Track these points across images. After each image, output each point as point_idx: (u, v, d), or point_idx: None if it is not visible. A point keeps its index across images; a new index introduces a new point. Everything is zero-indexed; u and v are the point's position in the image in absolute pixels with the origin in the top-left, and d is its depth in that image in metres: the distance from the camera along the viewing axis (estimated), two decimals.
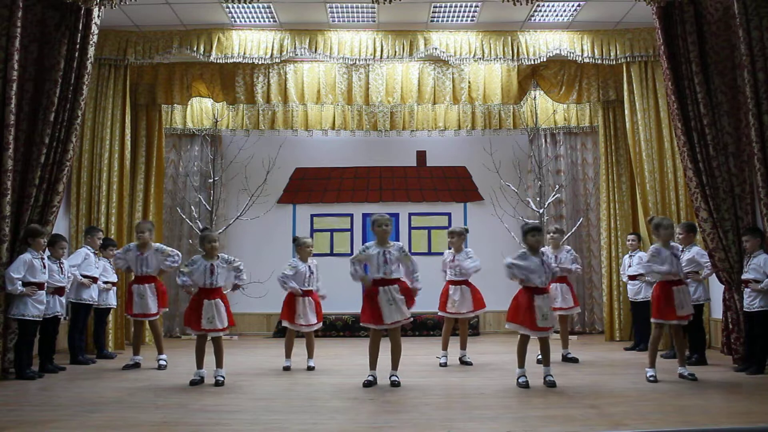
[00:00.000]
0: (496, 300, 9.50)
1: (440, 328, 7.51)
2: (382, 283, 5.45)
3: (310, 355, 6.50)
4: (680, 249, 5.87)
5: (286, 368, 6.37)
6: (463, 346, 6.73)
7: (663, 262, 5.62)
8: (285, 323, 6.47)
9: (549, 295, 5.45)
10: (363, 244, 5.70)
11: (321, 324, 6.55)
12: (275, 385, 5.56)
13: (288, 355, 6.48)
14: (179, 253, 6.86)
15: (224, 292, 5.83)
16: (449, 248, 6.85)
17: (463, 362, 6.64)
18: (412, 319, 5.58)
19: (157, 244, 6.87)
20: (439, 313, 6.77)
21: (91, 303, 7.06)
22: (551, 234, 7.04)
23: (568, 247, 7.20)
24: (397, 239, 5.71)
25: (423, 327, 9.40)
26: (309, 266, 6.44)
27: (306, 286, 6.40)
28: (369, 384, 5.41)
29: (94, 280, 7.06)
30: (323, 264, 6.73)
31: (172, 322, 9.62)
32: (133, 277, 6.81)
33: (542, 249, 5.64)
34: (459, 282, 6.65)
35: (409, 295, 5.51)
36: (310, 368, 6.37)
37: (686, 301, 5.64)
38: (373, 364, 5.53)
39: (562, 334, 6.95)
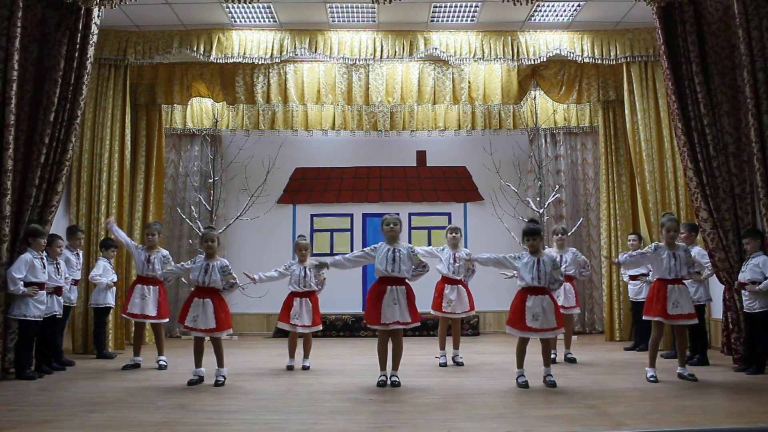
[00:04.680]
0: (496, 300, 9.55)
1: None
2: (390, 282, 5.40)
3: (305, 355, 6.50)
4: (686, 248, 5.83)
5: (289, 368, 6.38)
6: (456, 346, 6.71)
7: (659, 262, 5.62)
8: (280, 324, 6.47)
9: (546, 297, 5.33)
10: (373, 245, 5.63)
11: (319, 327, 6.49)
12: (275, 385, 5.56)
13: (291, 355, 6.49)
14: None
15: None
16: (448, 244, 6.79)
17: (456, 362, 6.63)
18: (413, 325, 5.47)
19: (166, 251, 6.79)
20: (432, 313, 6.67)
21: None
22: (559, 235, 6.97)
23: (574, 249, 7.15)
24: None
25: (423, 327, 9.37)
26: (305, 268, 6.43)
27: (301, 288, 6.40)
28: (383, 384, 5.39)
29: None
30: None
31: (172, 322, 9.60)
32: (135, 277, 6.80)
33: (546, 250, 5.60)
34: (455, 281, 6.62)
35: (413, 303, 5.44)
36: (304, 368, 6.38)
37: (683, 300, 5.57)
38: (382, 365, 5.50)
39: (565, 334, 6.88)
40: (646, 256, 5.77)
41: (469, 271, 6.74)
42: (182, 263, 5.89)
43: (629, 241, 8.10)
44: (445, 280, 6.64)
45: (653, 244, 5.82)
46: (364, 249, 5.61)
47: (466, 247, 9.54)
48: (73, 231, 7.17)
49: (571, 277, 6.90)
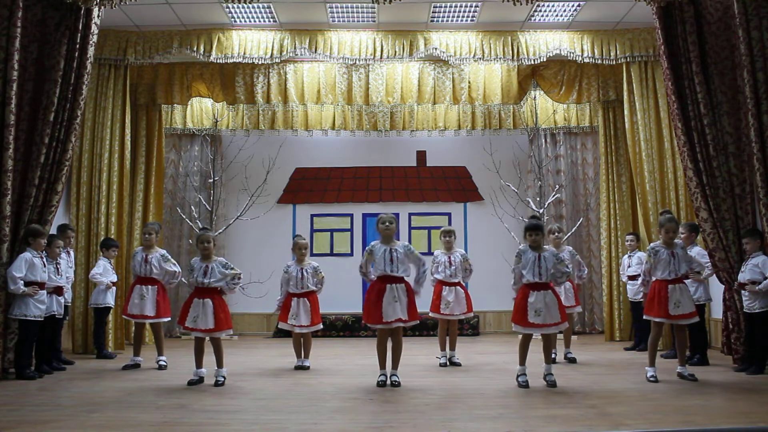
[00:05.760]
0: (497, 300, 9.56)
1: None
2: (389, 281, 5.41)
3: (305, 355, 6.50)
4: (683, 246, 5.83)
5: (298, 367, 6.39)
6: (453, 347, 6.71)
7: (657, 263, 5.63)
8: (281, 324, 6.50)
9: (549, 292, 5.35)
10: (368, 245, 5.65)
11: (318, 326, 6.50)
12: (275, 385, 5.56)
13: (298, 355, 6.51)
14: (180, 271, 6.81)
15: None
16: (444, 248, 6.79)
17: (452, 363, 6.63)
18: (413, 323, 5.49)
19: (163, 250, 6.81)
20: (430, 314, 6.66)
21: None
22: (555, 234, 6.96)
23: (570, 248, 7.16)
24: (398, 239, 5.66)
25: (423, 327, 9.38)
26: (302, 269, 6.44)
27: (299, 289, 6.40)
28: (382, 384, 5.39)
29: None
30: (323, 265, 6.70)
31: (172, 322, 9.61)
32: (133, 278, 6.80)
33: (544, 247, 5.59)
34: (452, 283, 6.61)
35: (413, 301, 5.45)
36: (304, 368, 6.39)
37: (684, 300, 5.57)
38: (382, 364, 5.51)
39: (565, 333, 6.88)
40: (651, 266, 5.72)
41: (467, 271, 6.72)
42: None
43: (627, 241, 8.10)
44: (443, 282, 6.64)
45: (650, 249, 5.78)
46: (363, 254, 5.64)
47: (466, 248, 9.57)
48: (63, 229, 7.09)
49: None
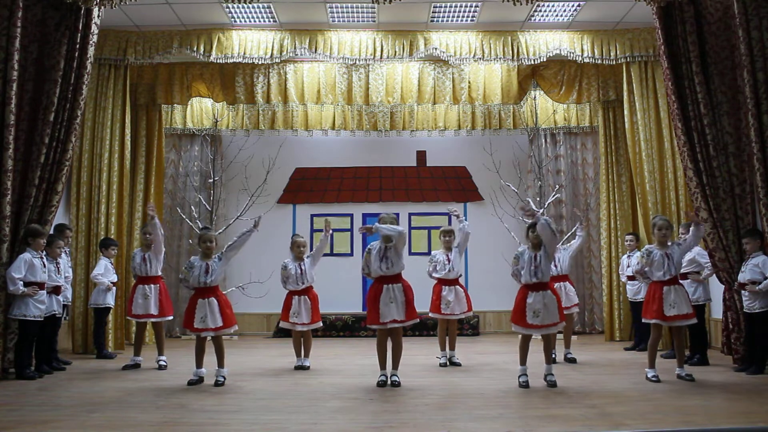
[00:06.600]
0: (497, 300, 9.55)
1: None
2: (385, 281, 5.44)
3: (306, 354, 6.51)
4: (678, 244, 5.82)
5: (298, 367, 6.40)
6: (452, 347, 6.72)
7: (651, 264, 5.63)
8: (282, 324, 6.51)
9: (548, 292, 5.36)
10: (368, 246, 5.67)
11: (318, 324, 6.52)
12: (275, 385, 5.56)
13: (298, 354, 6.52)
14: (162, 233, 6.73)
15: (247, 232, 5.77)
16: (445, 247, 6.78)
17: (452, 363, 6.63)
18: (411, 323, 5.49)
19: None
20: (430, 314, 6.67)
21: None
22: None
23: (566, 246, 7.19)
24: None
25: (422, 327, 9.38)
26: (300, 265, 6.45)
27: (299, 286, 6.41)
28: (383, 384, 5.40)
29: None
30: (323, 265, 6.69)
31: (172, 322, 9.61)
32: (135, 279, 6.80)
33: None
34: (452, 282, 6.62)
35: (410, 301, 5.47)
36: (304, 367, 6.40)
37: (680, 301, 5.57)
38: (382, 364, 5.53)
39: (565, 333, 6.89)
40: (642, 267, 5.75)
41: (461, 231, 6.61)
42: (187, 284, 5.76)
43: (627, 241, 8.10)
44: (442, 281, 6.65)
45: (644, 250, 5.80)
46: (363, 256, 5.67)
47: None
48: (61, 229, 7.05)
49: (567, 276, 6.90)
